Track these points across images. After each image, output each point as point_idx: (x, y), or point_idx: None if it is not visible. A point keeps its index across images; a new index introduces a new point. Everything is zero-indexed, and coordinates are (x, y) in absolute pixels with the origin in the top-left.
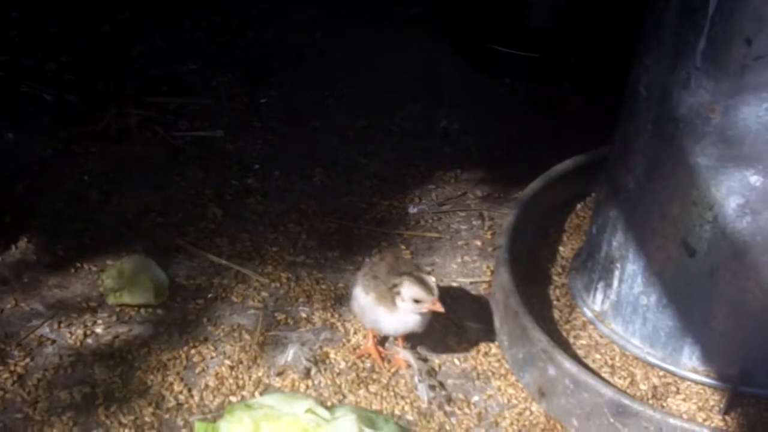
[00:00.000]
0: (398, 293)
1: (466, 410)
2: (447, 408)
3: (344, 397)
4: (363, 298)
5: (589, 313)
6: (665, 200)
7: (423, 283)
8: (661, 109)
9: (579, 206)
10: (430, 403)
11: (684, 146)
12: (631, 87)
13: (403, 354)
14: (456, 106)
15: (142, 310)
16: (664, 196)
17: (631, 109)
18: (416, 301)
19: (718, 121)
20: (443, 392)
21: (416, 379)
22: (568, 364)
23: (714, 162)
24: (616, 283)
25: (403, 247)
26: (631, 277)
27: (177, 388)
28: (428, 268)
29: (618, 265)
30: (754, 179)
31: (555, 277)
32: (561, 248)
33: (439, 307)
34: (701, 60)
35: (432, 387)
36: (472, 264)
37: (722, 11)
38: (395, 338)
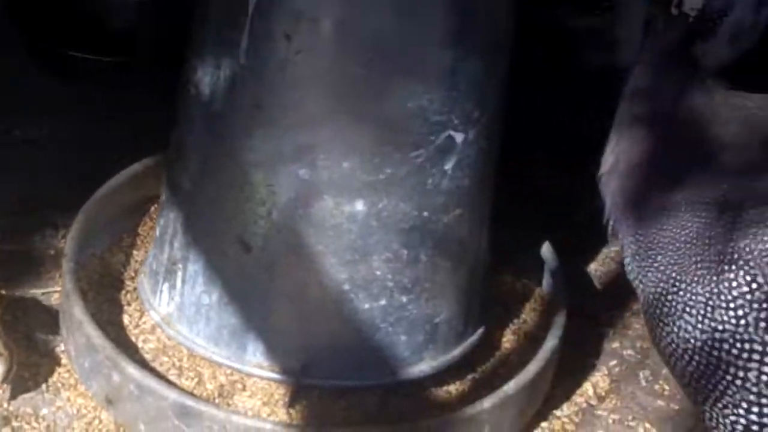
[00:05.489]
0: None
1: (35, 424)
2: (15, 424)
3: None
4: None
5: (156, 316)
6: (219, 198)
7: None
8: (210, 107)
9: (153, 209)
10: None
11: (234, 143)
12: (183, 86)
13: None
14: (30, 115)
15: None
16: (218, 194)
17: (184, 109)
18: None
19: (265, 116)
20: (10, 408)
21: None
22: (131, 369)
23: (264, 158)
24: (179, 284)
25: None
26: (192, 278)
27: None
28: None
29: (180, 266)
30: (303, 173)
31: (127, 282)
32: (135, 252)
33: None
34: (245, 57)
35: None
36: (46, 274)
37: (261, 8)
38: None
